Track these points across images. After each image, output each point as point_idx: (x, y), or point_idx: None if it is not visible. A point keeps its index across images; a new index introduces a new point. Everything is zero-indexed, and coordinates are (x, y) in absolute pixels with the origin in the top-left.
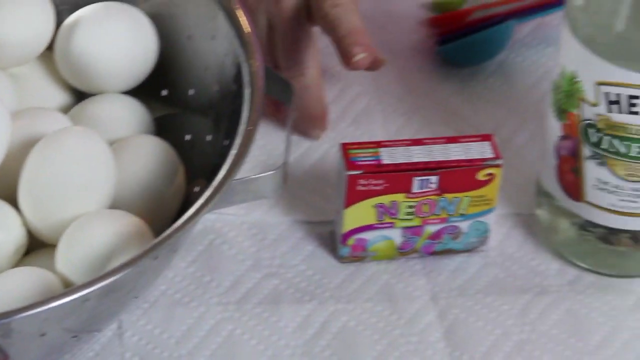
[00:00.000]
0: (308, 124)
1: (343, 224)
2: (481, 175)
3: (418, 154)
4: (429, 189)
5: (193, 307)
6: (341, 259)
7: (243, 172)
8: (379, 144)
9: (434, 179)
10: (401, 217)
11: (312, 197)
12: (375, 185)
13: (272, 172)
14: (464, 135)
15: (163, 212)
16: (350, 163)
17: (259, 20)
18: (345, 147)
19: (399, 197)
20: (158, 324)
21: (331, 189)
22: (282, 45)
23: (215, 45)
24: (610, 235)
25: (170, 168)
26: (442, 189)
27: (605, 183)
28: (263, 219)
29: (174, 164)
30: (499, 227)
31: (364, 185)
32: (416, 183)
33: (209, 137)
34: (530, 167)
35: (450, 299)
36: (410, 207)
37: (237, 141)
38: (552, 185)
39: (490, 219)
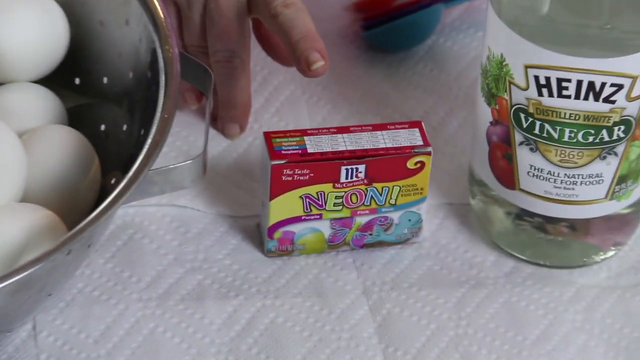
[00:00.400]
0: (230, 114)
1: (269, 216)
2: (411, 164)
3: (344, 142)
4: (357, 179)
5: (112, 304)
6: (268, 253)
7: (164, 162)
8: (304, 133)
9: (361, 167)
10: (329, 208)
11: (236, 191)
12: (301, 175)
13: (189, 161)
14: (392, 122)
15: (77, 206)
16: (274, 152)
17: (193, 3)
18: (269, 136)
19: (326, 187)
20: (75, 323)
21: (256, 183)
22: (216, 31)
23: (128, 30)
24: (547, 224)
25: (85, 159)
26: (371, 178)
27: (539, 170)
28: (185, 212)
29: (89, 155)
30: (432, 217)
31: (289, 175)
32: (343, 172)
33: (124, 127)
34: (463, 155)
35: (382, 292)
36: (339, 197)
37: (153, 130)
38: (485, 173)
39: (422, 209)
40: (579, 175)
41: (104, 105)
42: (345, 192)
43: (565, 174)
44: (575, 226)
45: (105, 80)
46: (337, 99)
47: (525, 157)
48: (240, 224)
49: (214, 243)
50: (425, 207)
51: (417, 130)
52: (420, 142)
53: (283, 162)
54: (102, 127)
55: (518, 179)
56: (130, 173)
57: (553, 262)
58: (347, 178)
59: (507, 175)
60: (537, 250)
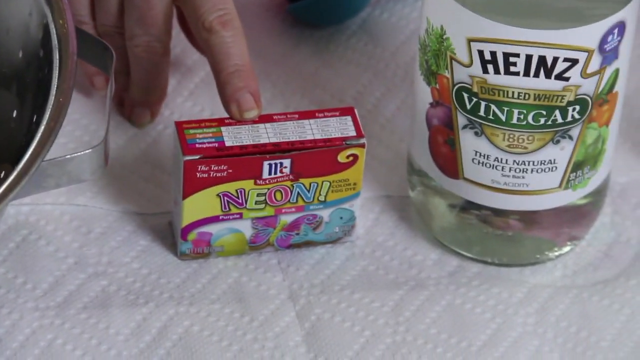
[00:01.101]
0: (143, 98)
1: (182, 216)
2: (342, 157)
3: (267, 134)
4: (282, 174)
5: (4, 314)
6: (182, 256)
7: (57, 152)
8: (221, 122)
9: (286, 162)
10: (250, 207)
11: (145, 186)
12: (218, 171)
13: (89, 150)
14: (321, 110)
15: None
16: (187, 146)
17: None
18: (181, 127)
19: (246, 184)
20: None
21: (167, 176)
22: (137, 14)
23: (16, 3)
24: (495, 217)
25: None
26: (297, 173)
27: (485, 156)
28: (87, 210)
29: None
30: (367, 212)
31: (204, 172)
32: (266, 168)
33: (13, 113)
34: (401, 141)
35: (311, 296)
36: (261, 194)
37: (46, 116)
38: (425, 161)
39: (355, 206)
40: (529, 162)
41: None
42: (269, 189)
43: (514, 161)
44: (527, 219)
45: None
46: (260, 80)
47: (469, 143)
48: (149, 222)
49: (120, 244)
50: (359, 203)
51: (349, 118)
52: (353, 133)
53: (197, 157)
54: None
55: (462, 167)
56: (21, 164)
57: (502, 260)
58: (270, 174)
59: (449, 163)
60: (484, 247)
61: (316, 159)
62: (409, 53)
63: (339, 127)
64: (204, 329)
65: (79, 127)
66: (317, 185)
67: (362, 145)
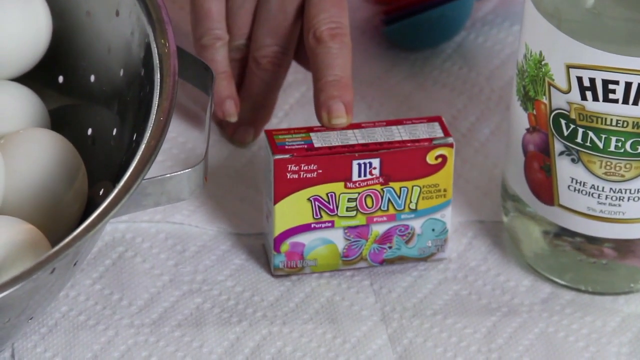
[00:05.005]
0: (253, 116)
1: (274, 224)
2: (431, 158)
3: (355, 137)
4: (372, 176)
5: (100, 330)
6: (275, 270)
7: (156, 171)
8: (309, 129)
9: (375, 162)
10: (342, 214)
11: (240, 206)
12: (308, 172)
13: (189, 169)
14: (409, 118)
15: (61, 219)
16: (277, 147)
17: None
18: (271, 134)
19: (336, 187)
20: (58, 351)
21: (261, 196)
22: (271, 24)
23: (119, 22)
24: (589, 245)
25: (69, 167)
26: (387, 175)
27: (581, 183)
28: (183, 228)
29: (74, 163)
30: (460, 236)
31: (294, 172)
32: (355, 168)
33: (114, 131)
34: (495, 165)
35: (403, 320)
36: (352, 200)
37: (147, 135)
38: (520, 187)
39: (447, 217)
40: (626, 190)
41: (91, 107)
42: (359, 193)
43: (611, 189)
44: (621, 247)
45: (92, 78)
46: (354, 100)
47: (565, 169)
48: (244, 241)
49: (215, 263)
50: (450, 214)
51: (436, 123)
52: (441, 134)
53: (287, 156)
54: (89, 131)
55: (557, 193)
56: (121, 183)
57: (595, 288)
58: (360, 175)
59: (545, 189)
60: (578, 275)
61: (405, 159)
62: (503, 77)
63: (427, 130)
64: (297, 349)
65: (176, 145)
66: (407, 190)
67: (451, 145)
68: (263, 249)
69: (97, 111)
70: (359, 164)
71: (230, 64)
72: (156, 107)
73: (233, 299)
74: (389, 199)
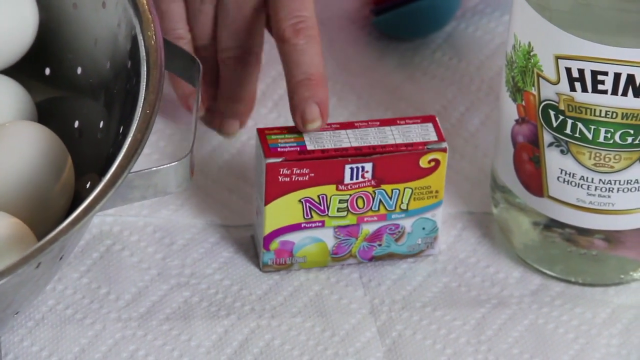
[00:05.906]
0: (234, 109)
1: (264, 224)
2: (424, 162)
3: (349, 139)
4: (364, 179)
5: (87, 324)
6: (264, 267)
7: (143, 164)
8: None
9: (368, 166)
10: (332, 214)
11: (228, 197)
12: (300, 175)
13: (175, 162)
14: (402, 117)
15: (48, 212)
16: (269, 150)
17: None
18: (263, 133)
19: (328, 189)
20: (45, 345)
21: (251, 187)
22: (231, 27)
23: (105, 14)
24: (579, 236)
25: (56, 160)
26: (379, 178)
27: (571, 175)
28: (170, 221)
29: (60, 155)
30: (449, 228)
31: (286, 175)
32: (348, 171)
33: (101, 124)
34: (484, 157)
35: (392, 312)
36: (343, 201)
37: (133, 127)
38: (510, 178)
39: (437, 216)
40: (615, 181)
41: (78, 99)
42: (351, 195)
43: (600, 180)
44: (611, 239)
45: (79, 70)
46: (344, 91)
47: (555, 161)
48: (232, 234)
49: (203, 256)
50: (441, 214)
51: (430, 125)
52: (435, 138)
53: (279, 160)
54: (76, 123)
55: (547, 185)
56: (108, 176)
57: (585, 279)
58: (352, 179)
59: (534, 180)
60: (568, 266)
61: (398, 163)
62: (493, 67)
63: (421, 132)
64: (285, 342)
65: (163, 137)
66: (399, 192)
67: (444, 150)
68: (252, 241)
69: (83, 103)
70: (352, 168)
71: (201, 61)
72: (143, 100)
73: (221, 292)
74: (380, 200)
